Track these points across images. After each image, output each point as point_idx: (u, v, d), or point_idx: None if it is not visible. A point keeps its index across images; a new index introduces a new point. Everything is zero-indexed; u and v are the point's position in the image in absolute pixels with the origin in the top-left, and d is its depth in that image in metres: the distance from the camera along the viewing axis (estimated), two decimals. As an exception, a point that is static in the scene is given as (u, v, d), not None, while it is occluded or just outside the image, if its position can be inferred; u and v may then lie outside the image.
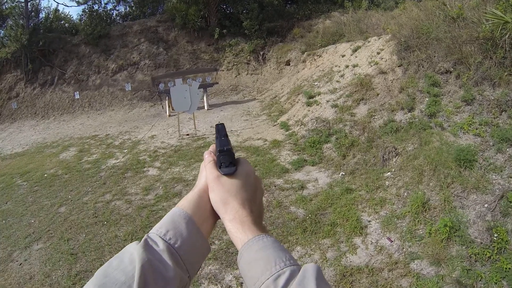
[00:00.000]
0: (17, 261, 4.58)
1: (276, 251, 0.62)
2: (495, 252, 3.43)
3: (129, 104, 16.05)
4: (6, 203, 6.70)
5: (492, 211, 3.85)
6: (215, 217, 0.73)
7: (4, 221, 5.84)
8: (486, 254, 3.42)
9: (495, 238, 3.52)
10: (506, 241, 3.48)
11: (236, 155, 0.75)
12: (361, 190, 5.03)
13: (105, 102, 16.56)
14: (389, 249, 3.77)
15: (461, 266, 3.36)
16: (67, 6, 33.05)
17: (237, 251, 0.65)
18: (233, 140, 8.51)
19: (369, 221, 4.30)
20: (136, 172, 7.17)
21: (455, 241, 3.62)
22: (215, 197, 0.71)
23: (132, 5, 20.55)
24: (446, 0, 8.05)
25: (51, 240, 4.92)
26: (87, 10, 19.26)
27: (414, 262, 3.53)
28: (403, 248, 3.76)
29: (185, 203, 0.71)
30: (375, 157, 5.84)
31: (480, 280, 3.23)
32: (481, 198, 3.99)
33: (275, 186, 5.52)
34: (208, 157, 0.78)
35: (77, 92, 16.59)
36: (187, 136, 9.45)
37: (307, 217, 4.51)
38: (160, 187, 6.19)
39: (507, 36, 5.55)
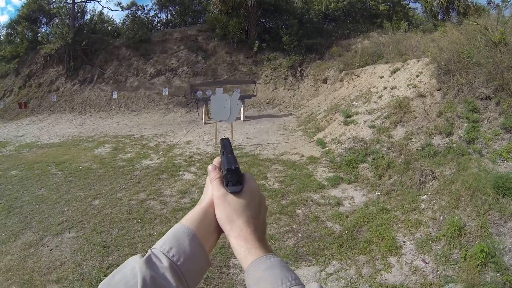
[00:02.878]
0: (47, 246, 4.65)
1: (283, 271, 0.63)
2: None
3: (164, 108, 16.48)
4: (41, 189, 6.93)
5: None
6: (219, 232, 0.75)
7: (37, 206, 6.00)
8: None
9: None
10: None
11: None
12: (396, 211, 5.00)
13: (141, 104, 17.07)
14: (424, 271, 3.75)
15: None
16: (111, 10, 34.45)
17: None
18: (269, 153, 8.59)
19: (404, 242, 4.28)
20: (171, 174, 7.28)
21: (490, 267, 3.58)
22: (221, 214, 0.72)
23: (174, 13, 21.20)
24: (488, 24, 7.92)
25: (84, 231, 5.01)
26: (130, 15, 20.06)
27: (448, 285, 3.49)
28: (437, 270, 3.73)
29: (189, 219, 0.73)
30: (411, 179, 5.76)
31: None
32: None
33: (312, 201, 5.55)
34: (213, 173, 0.79)
35: (115, 91, 17.20)
36: (224, 145, 9.56)
37: (344, 233, 4.52)
38: (196, 192, 6.26)
39: None
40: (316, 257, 4.07)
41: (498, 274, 3.51)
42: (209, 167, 0.80)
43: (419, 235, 4.39)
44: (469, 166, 5.22)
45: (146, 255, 0.64)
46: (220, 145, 0.85)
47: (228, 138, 0.88)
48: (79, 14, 20.46)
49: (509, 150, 5.22)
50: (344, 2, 17.56)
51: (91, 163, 8.53)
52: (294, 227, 4.77)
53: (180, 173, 7.40)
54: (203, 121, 13.44)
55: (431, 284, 3.54)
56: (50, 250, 4.55)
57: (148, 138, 11.45)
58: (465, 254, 3.78)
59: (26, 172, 8.16)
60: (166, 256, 0.64)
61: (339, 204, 5.44)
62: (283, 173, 6.97)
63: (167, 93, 16.49)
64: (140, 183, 6.89)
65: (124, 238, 4.72)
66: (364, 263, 3.93)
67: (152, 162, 8.34)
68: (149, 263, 0.62)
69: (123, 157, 9.04)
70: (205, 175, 7.07)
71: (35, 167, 8.48)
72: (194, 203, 5.78)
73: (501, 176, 4.53)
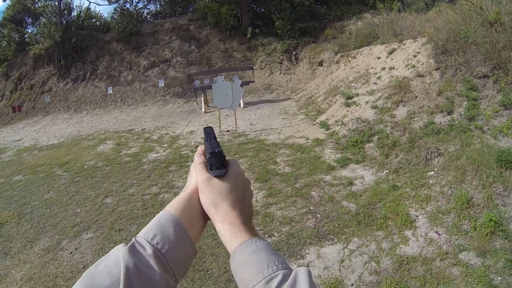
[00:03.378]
0: (67, 249, 4.57)
1: (269, 255, 0.63)
2: None
3: (162, 100, 16.46)
4: (48, 192, 6.80)
5: None
6: (205, 218, 0.74)
7: (48, 210, 5.89)
8: None
9: None
10: None
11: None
12: (406, 188, 5.23)
13: (137, 97, 17.03)
14: (438, 242, 4.02)
15: (504, 257, 3.58)
16: (98, 4, 33.76)
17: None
18: (275, 137, 8.72)
19: (417, 216, 4.54)
20: (180, 166, 7.34)
21: (499, 235, 3.86)
22: (205, 199, 0.72)
23: (163, 3, 20.95)
24: (483, 3, 8.05)
25: (101, 230, 4.96)
26: (118, 9, 19.79)
27: (462, 253, 3.77)
28: (450, 241, 4.00)
29: (174, 206, 0.72)
30: (417, 157, 5.96)
31: None
32: None
33: (324, 182, 5.74)
34: (198, 159, 0.78)
35: (110, 87, 17.11)
36: (228, 133, 9.69)
37: (360, 211, 4.75)
38: None
39: None
40: (337, 235, 4.28)
41: (506, 241, 3.77)
42: (195, 154, 0.81)
43: (430, 209, 4.63)
44: (472, 142, 5.44)
45: (130, 243, 0.63)
46: (204, 134, 0.85)
47: (211, 127, 0.87)
48: (65, 12, 20.08)
49: (509, 126, 5.42)
50: (335, -16, 17.52)
51: (96, 161, 8.51)
52: (312, 208, 4.96)
53: (189, 164, 7.38)
54: (203, 110, 13.49)
55: (447, 253, 3.80)
56: (70, 253, 4.50)
57: (150, 131, 11.47)
58: (475, 224, 4.06)
59: (30, 176, 8.05)
60: (150, 243, 0.63)
61: (351, 183, 5.64)
62: (292, 156, 7.12)
63: (163, 84, 16.46)
64: (150, 177, 6.87)
65: (144, 234, 4.79)
66: (383, 238, 4.17)
67: (158, 155, 8.39)
68: (133, 251, 0.61)
69: (128, 152, 9.05)
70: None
71: (38, 170, 8.38)
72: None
73: (503, 150, 4.80)
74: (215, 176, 0.73)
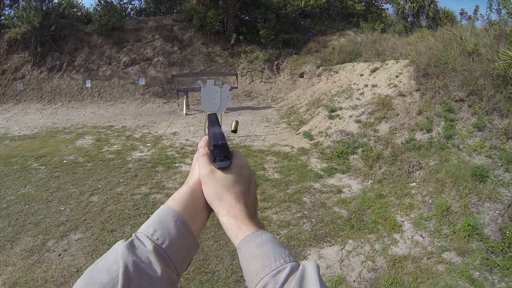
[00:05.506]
0: (54, 251, 4.31)
1: (275, 248, 0.63)
2: (506, 245, 4.31)
3: (141, 99, 16.25)
4: (25, 186, 6.42)
5: (502, 216, 4.73)
6: (208, 211, 0.73)
7: (27, 206, 5.54)
8: (499, 248, 4.31)
9: (506, 235, 4.39)
10: None
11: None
12: (391, 196, 5.75)
13: (116, 94, 16.70)
14: (423, 243, 4.59)
15: (481, 256, 4.24)
16: None
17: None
18: (260, 144, 8.91)
19: (403, 221, 5.09)
20: (167, 167, 7.31)
21: (475, 237, 4.52)
22: (209, 192, 0.71)
23: (149, 0, 20.74)
24: (463, 34, 8.75)
25: (91, 230, 4.76)
26: (102, 1, 19.32)
27: (444, 253, 4.37)
28: (433, 243, 4.59)
29: (175, 200, 0.71)
30: (400, 169, 6.42)
31: (496, 267, 4.10)
32: (493, 206, 4.90)
33: (315, 189, 6.06)
34: (202, 150, 0.77)
35: (88, 80, 16.66)
36: (213, 136, 9.75)
37: (352, 216, 5.17)
38: None
39: None
40: (334, 238, 4.64)
41: (481, 243, 4.43)
42: (199, 145, 0.79)
43: (413, 215, 5.19)
44: (450, 158, 6.02)
45: (129, 239, 0.63)
46: (208, 122, 0.82)
47: (215, 114, 0.85)
48: None
49: (482, 145, 6.07)
50: (323, 0, 18.08)
51: (75, 156, 8.18)
52: (306, 213, 5.25)
53: (177, 165, 7.46)
54: (184, 112, 13.46)
55: (432, 253, 4.37)
56: (59, 255, 4.23)
57: (131, 129, 11.30)
58: (454, 229, 4.68)
59: (2, 167, 7.52)
60: (150, 239, 0.62)
61: (340, 191, 6.01)
62: (279, 163, 7.35)
63: (143, 83, 16.25)
64: (137, 176, 6.73)
65: (140, 236, 4.67)
66: (375, 240, 4.63)
67: (143, 154, 8.30)
68: (132, 247, 0.60)
69: (110, 149, 8.84)
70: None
71: (12, 162, 7.87)
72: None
73: (478, 166, 5.49)
74: (218, 168, 0.72)
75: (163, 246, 0.62)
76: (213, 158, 0.73)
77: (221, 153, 0.72)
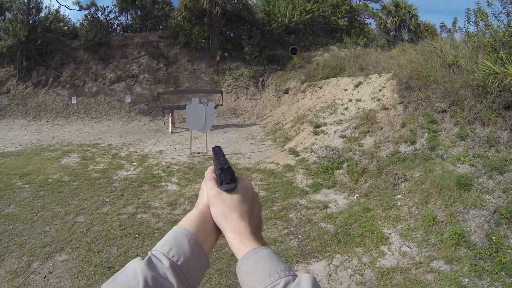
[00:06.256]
0: (39, 273, 4.20)
1: (272, 264, 0.66)
2: (494, 251, 4.41)
3: (127, 116, 16.16)
4: (9, 205, 6.25)
5: (488, 222, 4.85)
6: (217, 233, 0.77)
7: (11, 226, 5.39)
8: (487, 253, 4.42)
9: (493, 241, 4.50)
10: (501, 243, 4.49)
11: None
12: (377, 209, 5.82)
13: (102, 111, 16.59)
14: (411, 254, 4.65)
15: (469, 263, 4.33)
16: (69, 9, 32.05)
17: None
18: (245, 162, 8.96)
19: (390, 233, 5.15)
20: (153, 186, 7.24)
21: (462, 245, 4.61)
22: (216, 212, 0.75)
23: (135, 16, 20.79)
24: (443, 47, 9.02)
25: (77, 252, 4.66)
26: (89, 16, 19.28)
27: (433, 262, 4.44)
28: (421, 253, 4.65)
29: (188, 221, 0.75)
30: (385, 182, 6.52)
31: (484, 272, 4.18)
32: (479, 213, 5.01)
33: (300, 205, 6.09)
34: (209, 175, 0.82)
35: (74, 97, 16.51)
36: (198, 155, 9.78)
37: (339, 231, 5.20)
38: (186, 203, 6.29)
39: (496, 84, 6.48)
40: (321, 253, 4.66)
41: (469, 250, 4.52)
42: (206, 172, 0.85)
43: (400, 227, 5.26)
44: (434, 169, 6.15)
45: (147, 257, 0.66)
46: (213, 153, 0.89)
47: (219, 147, 0.92)
48: (34, 10, 18.99)
49: (465, 155, 6.21)
50: (307, 16, 18.32)
51: (61, 175, 8.04)
52: (292, 229, 5.25)
53: (163, 183, 7.41)
54: (170, 130, 13.43)
55: (420, 263, 4.43)
56: (44, 277, 4.12)
57: (117, 147, 11.21)
58: (441, 238, 4.77)
59: None
60: (166, 256, 0.66)
61: (326, 207, 6.04)
62: (265, 181, 7.37)
63: (129, 100, 16.18)
64: (123, 196, 6.66)
65: (127, 256, 4.51)
66: (362, 254, 4.66)
67: (129, 173, 8.22)
68: (150, 264, 0.63)
69: (95, 168, 8.72)
70: (189, 186, 7.26)
71: None
72: (188, 214, 5.92)
73: (462, 175, 5.63)
74: (225, 190, 0.77)
75: (179, 263, 0.66)
76: (220, 181, 0.78)
77: (227, 176, 0.77)
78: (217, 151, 0.89)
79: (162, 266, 0.64)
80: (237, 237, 0.72)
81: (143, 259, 0.65)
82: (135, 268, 0.62)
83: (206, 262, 0.72)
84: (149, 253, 0.67)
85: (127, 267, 0.64)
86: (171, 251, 0.67)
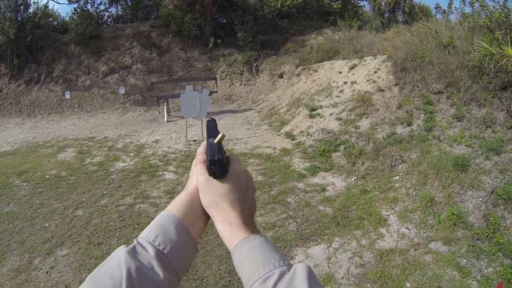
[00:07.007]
0: (41, 269, 4.23)
1: (265, 253, 0.64)
2: (491, 232, 4.44)
3: (122, 108, 16.05)
4: (8, 204, 6.24)
5: (485, 203, 4.88)
6: (207, 216, 0.74)
7: (11, 225, 5.40)
8: (484, 234, 4.45)
9: (490, 222, 4.53)
10: (498, 223, 4.52)
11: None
12: (375, 191, 5.84)
13: (96, 104, 16.45)
14: (409, 235, 4.69)
15: (467, 243, 4.36)
16: (58, 3, 31.46)
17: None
18: (242, 147, 8.93)
19: (388, 215, 5.18)
20: (151, 176, 7.25)
21: (460, 226, 4.65)
22: (206, 200, 0.72)
23: (125, 7, 20.47)
24: (438, 28, 8.95)
25: (78, 245, 4.68)
26: (78, 9, 18.98)
27: (431, 243, 4.49)
28: (419, 234, 4.70)
29: (175, 206, 0.72)
30: (382, 164, 6.52)
31: (482, 253, 4.22)
32: (476, 194, 5.04)
33: (298, 189, 6.10)
34: (200, 157, 0.77)
35: (67, 92, 16.35)
36: (194, 142, 9.76)
37: (337, 214, 5.23)
38: None
39: (492, 65, 6.44)
40: (320, 236, 4.68)
41: (466, 231, 4.55)
42: (198, 151, 0.80)
43: (398, 208, 5.28)
44: (431, 150, 6.14)
45: (131, 245, 0.63)
46: (206, 129, 0.83)
47: (214, 120, 0.85)
48: (22, 7, 18.69)
49: (462, 135, 6.20)
50: (300, 0, 18.16)
51: (58, 170, 8.02)
52: (291, 213, 5.27)
53: (160, 173, 7.42)
54: (165, 119, 13.37)
55: (418, 244, 4.47)
56: (46, 273, 4.15)
57: (113, 139, 11.16)
58: (439, 219, 4.79)
59: None
60: (151, 245, 0.63)
61: (324, 190, 6.05)
62: (262, 165, 7.37)
63: (123, 91, 16.04)
64: (121, 187, 6.68)
65: (128, 246, 4.59)
66: (361, 236, 4.70)
67: (126, 164, 8.20)
68: (134, 253, 0.61)
69: (92, 161, 8.68)
70: (186, 174, 7.24)
71: None
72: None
73: (459, 156, 5.63)
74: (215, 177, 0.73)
75: (165, 252, 0.63)
76: (209, 172, 0.72)
77: (217, 169, 0.71)
78: (210, 128, 0.83)
79: (147, 255, 0.61)
80: (227, 227, 0.70)
81: (128, 247, 0.62)
82: (119, 257, 0.60)
83: (194, 248, 0.70)
84: (134, 240, 0.65)
85: (112, 256, 0.61)
86: (157, 239, 0.64)
